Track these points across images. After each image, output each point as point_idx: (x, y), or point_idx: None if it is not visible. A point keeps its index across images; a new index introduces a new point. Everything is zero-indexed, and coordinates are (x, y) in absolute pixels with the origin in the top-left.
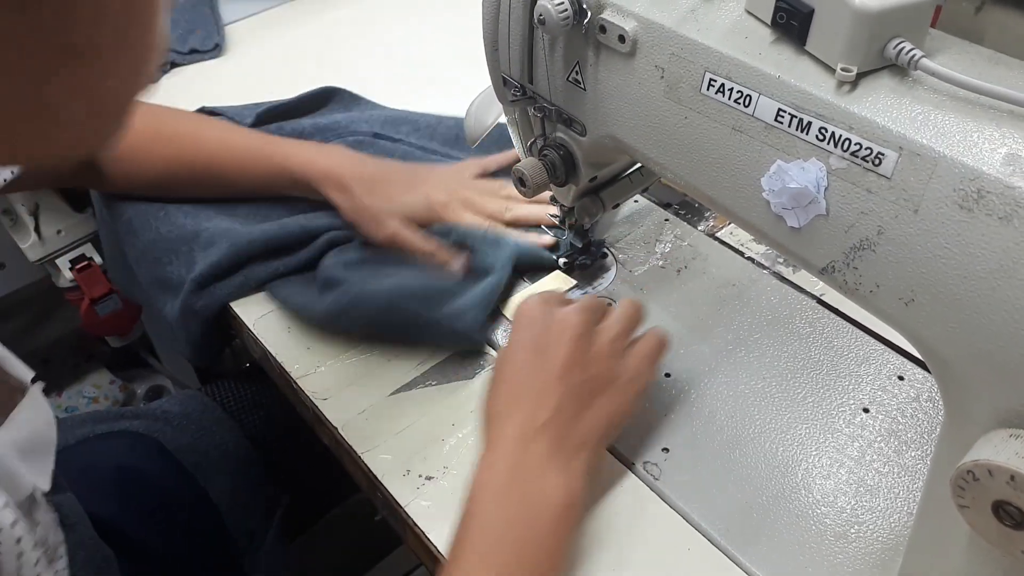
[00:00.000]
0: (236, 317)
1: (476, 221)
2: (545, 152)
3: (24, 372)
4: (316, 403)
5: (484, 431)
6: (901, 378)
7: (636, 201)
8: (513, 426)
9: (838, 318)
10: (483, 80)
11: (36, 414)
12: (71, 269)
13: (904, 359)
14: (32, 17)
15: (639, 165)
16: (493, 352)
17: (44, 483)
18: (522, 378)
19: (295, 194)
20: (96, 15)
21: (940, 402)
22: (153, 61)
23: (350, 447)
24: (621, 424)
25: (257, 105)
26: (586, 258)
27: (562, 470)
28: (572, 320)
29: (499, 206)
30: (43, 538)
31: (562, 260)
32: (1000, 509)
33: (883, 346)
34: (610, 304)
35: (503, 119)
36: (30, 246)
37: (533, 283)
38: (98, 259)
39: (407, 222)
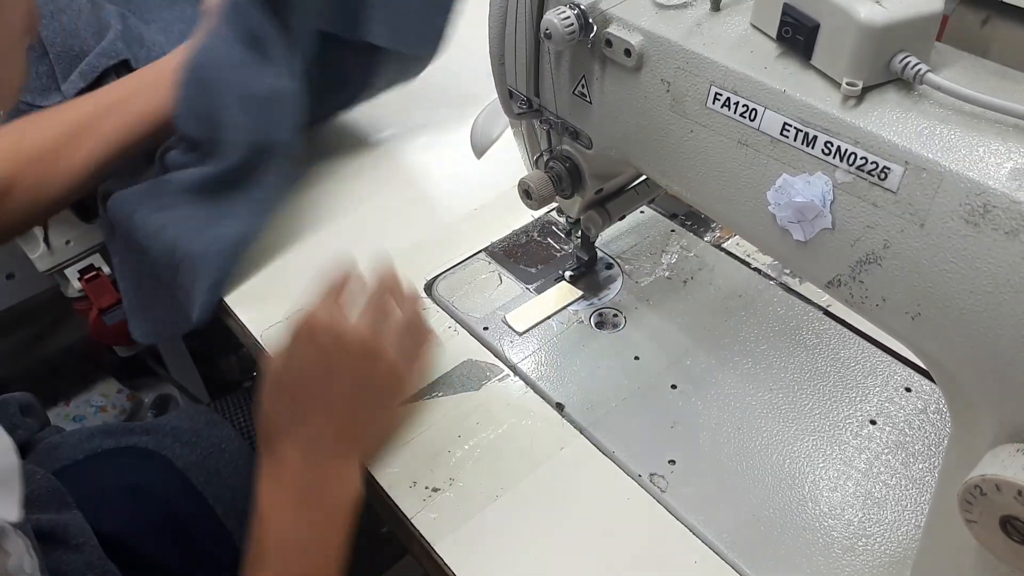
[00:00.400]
0: (244, 327)
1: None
2: (551, 165)
3: None
4: None
5: (262, 445)
6: (908, 390)
7: (642, 212)
8: (296, 439)
9: (845, 329)
10: (490, 91)
11: None
12: (79, 279)
13: (911, 371)
14: None
15: (645, 177)
16: (491, 361)
17: (12, 514)
18: (307, 391)
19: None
20: None
21: (948, 414)
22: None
23: None
24: (394, 434)
25: None
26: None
27: (346, 474)
28: (350, 336)
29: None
30: (17, 566)
31: (568, 273)
32: (1008, 524)
33: (890, 357)
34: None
35: (509, 132)
36: (39, 256)
37: (539, 294)
38: (106, 269)
39: None
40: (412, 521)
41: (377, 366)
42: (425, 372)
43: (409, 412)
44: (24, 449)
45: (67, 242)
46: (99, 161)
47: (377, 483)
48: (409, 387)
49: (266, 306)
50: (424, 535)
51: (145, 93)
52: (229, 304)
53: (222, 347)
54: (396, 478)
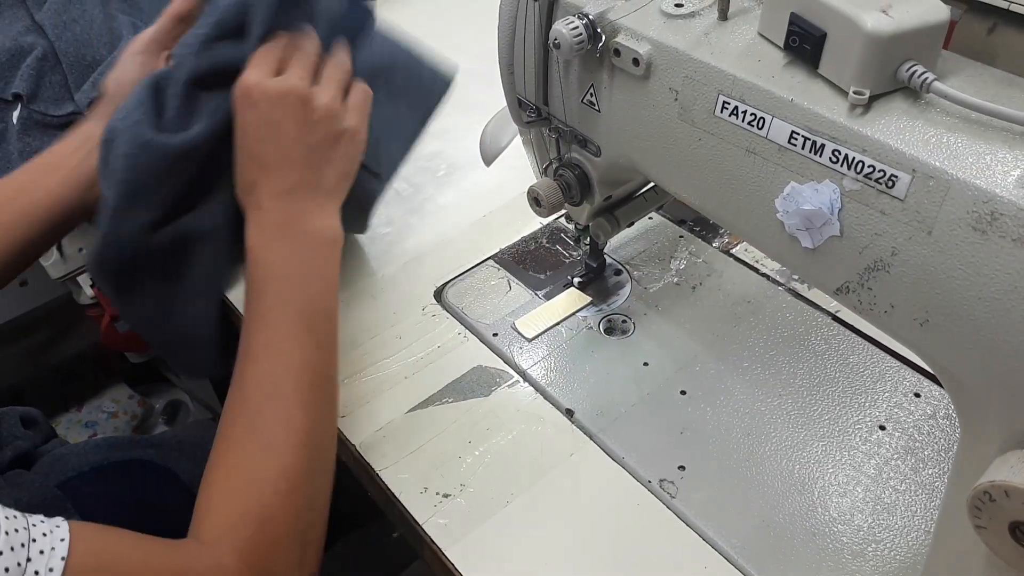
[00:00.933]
0: None
1: None
2: (560, 172)
3: None
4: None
5: (242, 201)
6: (917, 395)
7: (651, 218)
8: (269, 191)
9: (854, 335)
10: (500, 99)
11: None
12: (92, 286)
13: (920, 376)
14: None
15: (653, 184)
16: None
17: None
18: (264, 149)
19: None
20: None
21: (957, 419)
22: None
23: (368, 465)
24: (354, 170)
25: None
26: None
27: (323, 215)
28: (290, 92)
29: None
30: None
31: (577, 279)
32: (1017, 530)
33: (899, 363)
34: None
35: (518, 139)
36: (52, 264)
37: (548, 300)
38: None
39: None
40: (423, 526)
41: (313, 110)
42: (361, 110)
43: (356, 150)
44: (27, 460)
45: (80, 249)
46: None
47: (388, 488)
48: (348, 123)
49: None
50: (435, 540)
51: (42, 180)
52: (239, 308)
53: (233, 353)
54: (407, 483)
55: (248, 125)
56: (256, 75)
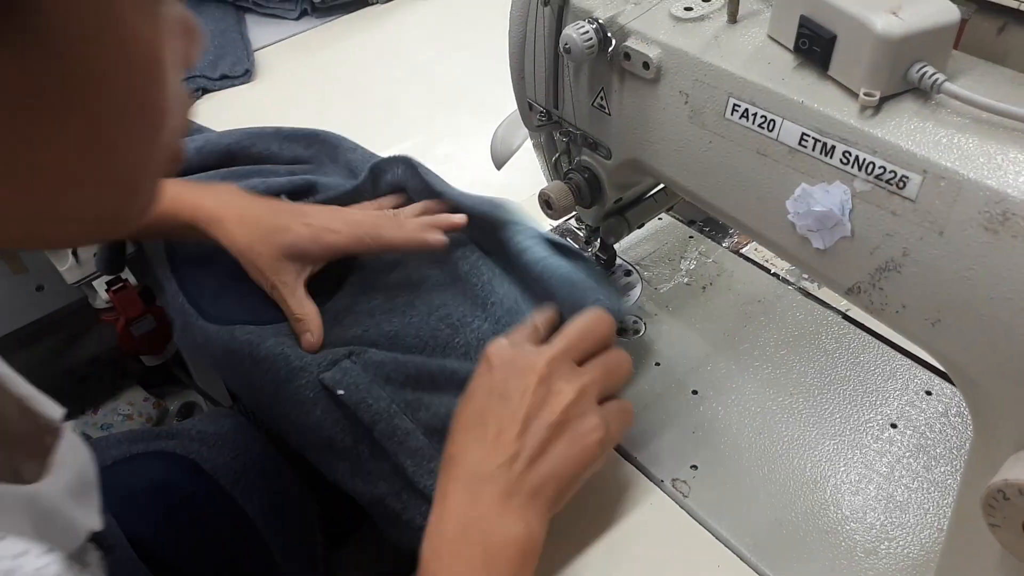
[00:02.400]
0: None
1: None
2: (570, 175)
3: (54, 410)
4: None
5: (439, 475)
6: (929, 393)
7: (660, 219)
8: (464, 471)
9: (864, 333)
10: (512, 100)
11: (75, 453)
12: (107, 290)
13: (931, 374)
14: (33, 79)
15: (663, 186)
16: None
17: (95, 523)
18: (478, 421)
19: (190, 237)
20: (89, 69)
21: (969, 417)
22: (169, 126)
23: None
24: (579, 477)
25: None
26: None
27: (517, 517)
28: (538, 362)
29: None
30: None
31: None
32: None
33: (910, 361)
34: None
35: (529, 142)
36: (68, 269)
37: None
38: (133, 280)
39: (291, 267)
40: None
41: (555, 399)
42: (619, 429)
43: (597, 461)
44: None
45: (95, 254)
46: None
47: None
48: (590, 421)
49: None
50: None
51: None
52: None
53: None
54: None
55: (478, 389)
56: (502, 342)
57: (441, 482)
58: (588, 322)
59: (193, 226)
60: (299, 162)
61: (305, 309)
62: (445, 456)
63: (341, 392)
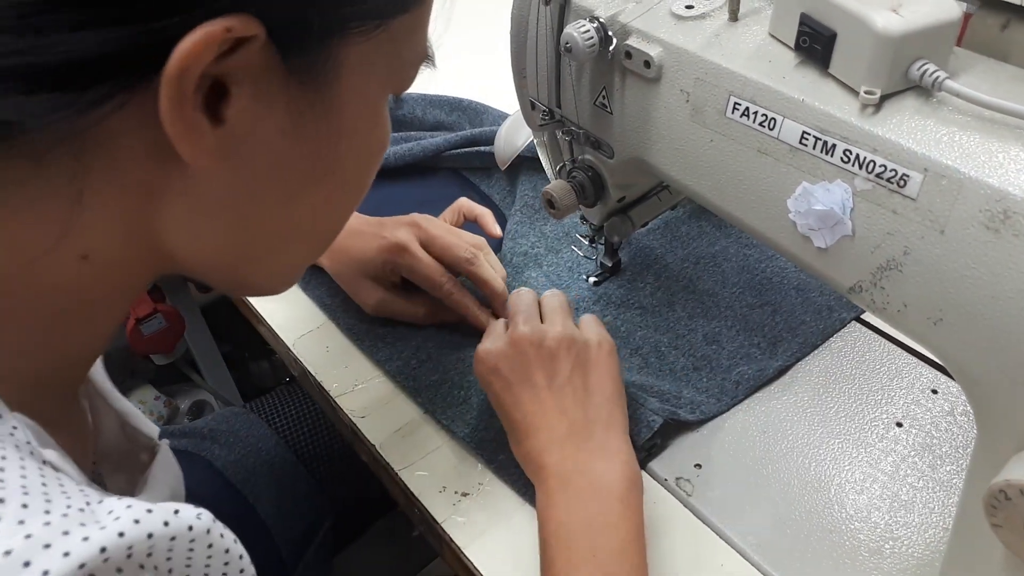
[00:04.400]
0: (276, 335)
1: (433, 264)
2: (574, 174)
3: (151, 428)
4: (354, 421)
5: (530, 473)
6: (935, 391)
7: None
8: (542, 448)
9: (870, 332)
10: (515, 101)
11: (168, 471)
12: None
13: (937, 372)
14: (308, 147)
15: (666, 184)
16: None
17: None
18: (519, 412)
19: None
20: (352, 148)
21: (974, 417)
22: (356, 207)
23: (387, 464)
24: (621, 382)
25: None
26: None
27: (603, 456)
28: (520, 337)
29: (465, 252)
30: None
31: (592, 279)
32: None
33: (916, 359)
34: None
35: (533, 141)
36: None
37: None
38: None
39: (382, 285)
40: (442, 525)
41: (547, 346)
42: (595, 321)
43: (612, 360)
44: None
45: None
46: None
47: (407, 487)
48: (588, 336)
49: (298, 314)
50: (453, 539)
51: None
52: (261, 312)
53: (255, 354)
54: (426, 483)
55: (498, 393)
56: (484, 345)
57: (532, 465)
58: (518, 297)
59: None
60: (440, 127)
61: (420, 311)
62: (521, 453)
63: None
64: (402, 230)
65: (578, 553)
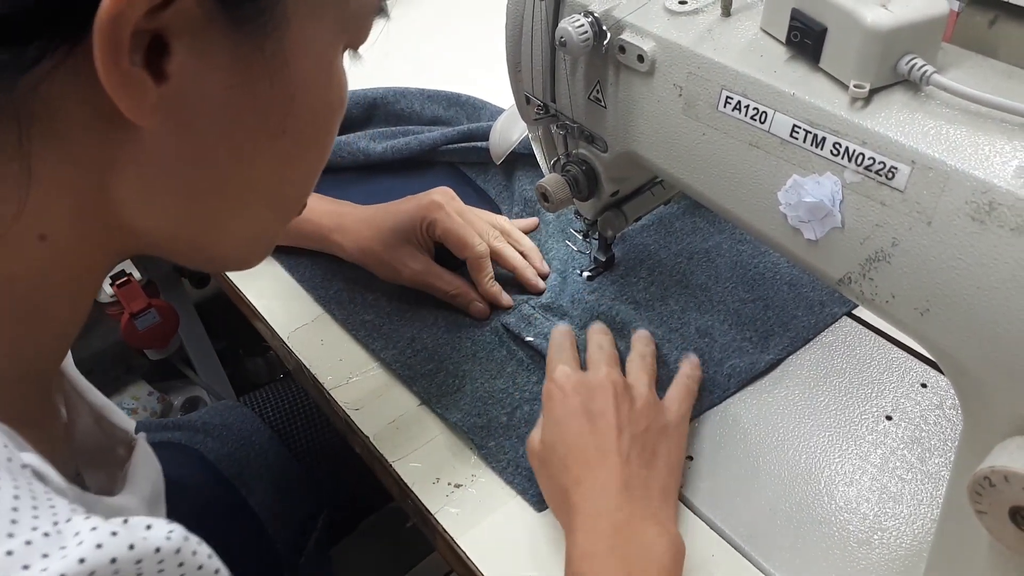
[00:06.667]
0: (271, 329)
1: (466, 225)
2: (568, 168)
3: (127, 422)
4: (348, 413)
5: (560, 510)
6: (924, 385)
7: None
8: (593, 494)
9: (860, 326)
10: (509, 96)
11: (149, 464)
12: (112, 285)
13: (927, 366)
14: (257, 102)
15: (660, 179)
16: None
17: None
18: (582, 448)
19: (305, 246)
20: (306, 104)
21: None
22: (321, 169)
23: (381, 456)
24: (682, 467)
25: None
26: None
27: (657, 522)
28: (606, 381)
29: (487, 228)
30: None
31: (586, 274)
32: (1017, 515)
33: (905, 353)
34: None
35: (528, 135)
36: None
37: None
38: (137, 275)
39: (414, 250)
40: (435, 516)
41: (635, 399)
42: (686, 402)
43: (682, 444)
44: None
45: None
46: None
47: (401, 479)
48: (671, 415)
49: (292, 309)
50: (447, 530)
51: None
52: (256, 306)
53: (249, 350)
54: (419, 474)
55: (566, 415)
56: (565, 369)
57: (571, 507)
58: (604, 337)
59: (309, 235)
60: (438, 122)
61: (457, 283)
62: (560, 488)
63: (530, 338)
64: (435, 193)
65: None
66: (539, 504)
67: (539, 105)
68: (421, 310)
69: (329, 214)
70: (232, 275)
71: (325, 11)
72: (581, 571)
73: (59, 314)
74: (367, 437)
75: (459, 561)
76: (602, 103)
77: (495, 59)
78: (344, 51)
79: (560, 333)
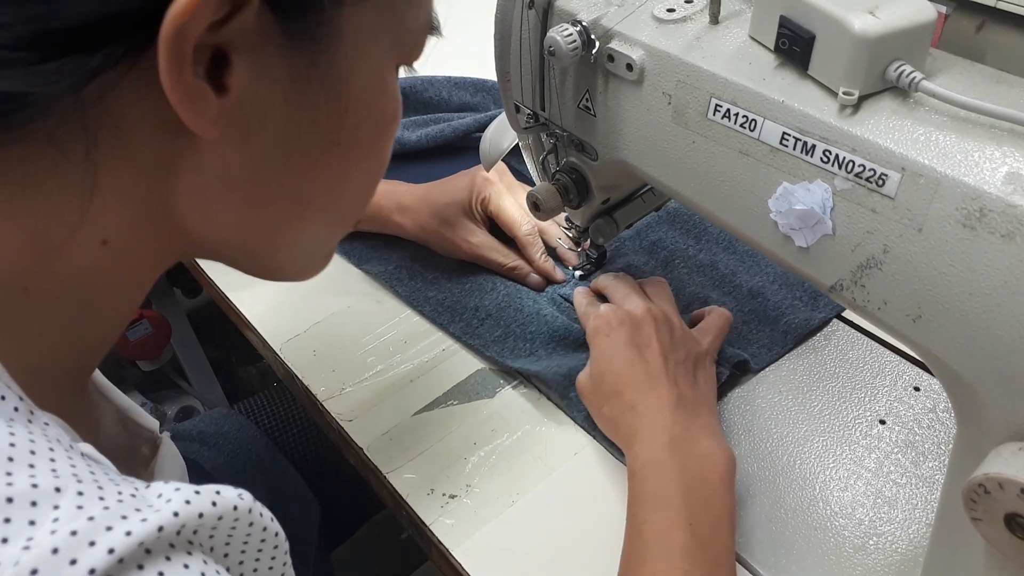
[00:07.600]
0: (263, 340)
1: (512, 204)
2: (558, 176)
3: (151, 422)
4: (342, 424)
5: (616, 434)
6: (917, 389)
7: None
8: (654, 405)
9: (853, 330)
10: (499, 105)
11: (174, 463)
12: None
13: (920, 370)
14: (313, 116)
15: (651, 186)
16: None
17: None
18: (633, 374)
19: (365, 229)
20: (360, 119)
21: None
22: (378, 182)
23: (375, 467)
24: (715, 393)
25: None
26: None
27: (710, 434)
28: (647, 315)
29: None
30: None
31: (578, 273)
32: (1012, 522)
33: (899, 357)
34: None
35: (518, 143)
36: None
37: None
38: None
39: (472, 225)
40: (430, 527)
41: (675, 328)
42: (718, 333)
43: (714, 372)
44: None
45: None
46: None
47: (396, 490)
48: (705, 344)
49: (284, 319)
50: (442, 541)
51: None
52: (248, 317)
53: (242, 359)
54: (414, 485)
55: (614, 349)
56: (607, 306)
57: (628, 428)
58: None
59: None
60: (466, 108)
61: (514, 256)
62: (619, 408)
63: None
64: (485, 171)
65: (674, 517)
66: (616, 451)
67: (529, 113)
68: (478, 278)
69: (387, 195)
70: (222, 285)
71: (379, 28)
72: (645, 475)
73: (109, 314)
74: (361, 448)
75: (454, 572)
76: (592, 112)
77: (485, 68)
78: (398, 68)
79: (580, 292)
